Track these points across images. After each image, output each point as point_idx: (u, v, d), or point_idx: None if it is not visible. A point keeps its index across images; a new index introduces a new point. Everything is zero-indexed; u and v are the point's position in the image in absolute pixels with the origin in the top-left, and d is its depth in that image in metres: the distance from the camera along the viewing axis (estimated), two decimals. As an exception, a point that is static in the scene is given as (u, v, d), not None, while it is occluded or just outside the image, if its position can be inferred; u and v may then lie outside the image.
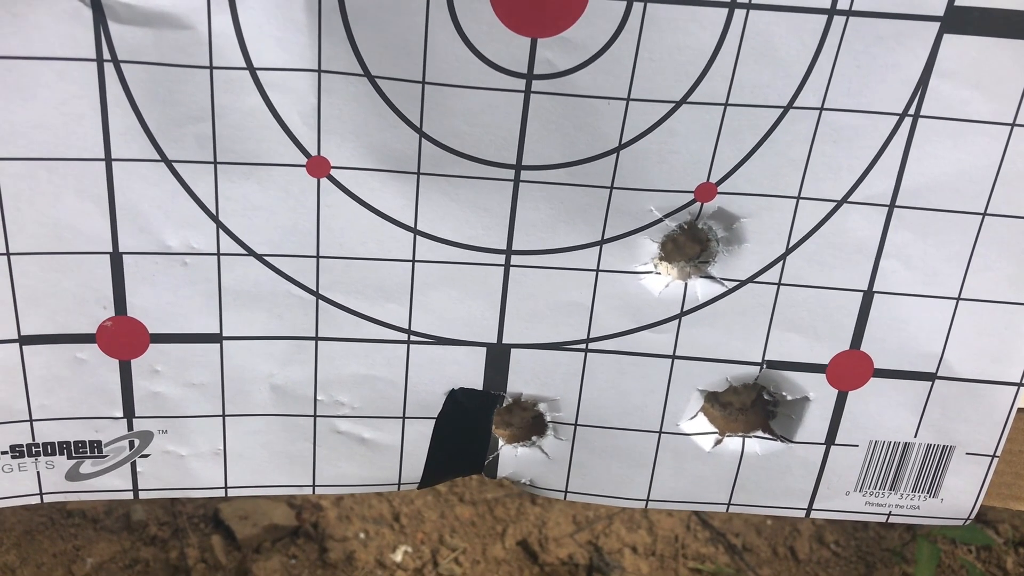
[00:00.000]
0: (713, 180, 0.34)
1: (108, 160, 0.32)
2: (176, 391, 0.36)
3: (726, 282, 0.36)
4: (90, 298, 0.34)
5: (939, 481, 0.40)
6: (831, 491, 0.40)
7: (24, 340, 0.35)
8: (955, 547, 1.04)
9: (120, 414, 0.37)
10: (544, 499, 1.04)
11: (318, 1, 0.31)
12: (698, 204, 0.34)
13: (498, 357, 0.37)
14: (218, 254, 0.34)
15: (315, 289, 0.35)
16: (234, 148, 0.32)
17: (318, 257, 0.35)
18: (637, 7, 0.30)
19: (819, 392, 0.38)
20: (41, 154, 0.32)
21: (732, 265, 0.36)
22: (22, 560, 0.94)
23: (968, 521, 0.41)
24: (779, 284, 0.36)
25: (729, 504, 0.40)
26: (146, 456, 0.38)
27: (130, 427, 0.37)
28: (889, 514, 0.41)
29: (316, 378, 0.37)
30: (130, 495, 0.38)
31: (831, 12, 0.31)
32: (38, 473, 0.37)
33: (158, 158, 0.32)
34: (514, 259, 0.35)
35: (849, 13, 0.31)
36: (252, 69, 0.31)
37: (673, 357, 0.37)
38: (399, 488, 0.40)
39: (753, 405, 0.40)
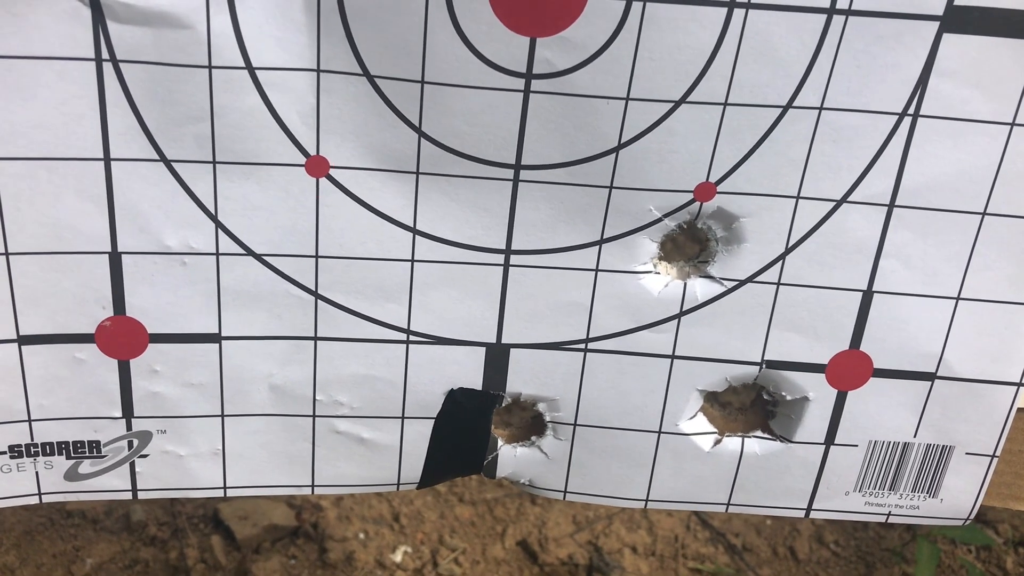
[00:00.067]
0: (712, 180, 0.34)
1: (107, 160, 0.32)
2: (175, 391, 0.36)
3: (725, 282, 0.36)
4: (89, 298, 0.34)
5: (939, 481, 0.40)
6: (831, 491, 0.40)
7: (23, 340, 0.35)
8: (955, 547, 1.04)
9: (119, 414, 0.37)
10: (544, 499, 1.04)
11: (317, 1, 0.30)
12: (697, 204, 0.34)
13: (497, 357, 0.37)
14: (217, 254, 0.34)
15: (314, 289, 0.35)
16: (233, 148, 0.32)
17: (317, 257, 0.35)
18: (636, 6, 0.30)
19: (818, 392, 0.38)
20: (40, 154, 0.32)
21: (731, 265, 0.36)
22: (22, 560, 0.94)
23: (968, 521, 0.41)
24: (778, 284, 0.36)
25: (728, 504, 0.40)
26: (145, 456, 0.38)
27: (129, 427, 0.37)
28: (889, 514, 0.41)
29: (315, 378, 0.37)
30: (129, 495, 0.38)
31: (831, 11, 0.31)
32: (37, 473, 0.37)
33: (157, 158, 0.32)
34: (513, 259, 0.35)
35: (849, 12, 0.31)
36: (251, 69, 0.31)
37: (672, 357, 0.37)
38: (398, 488, 0.40)
39: (752, 405, 0.40)
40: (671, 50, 0.31)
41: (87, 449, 0.37)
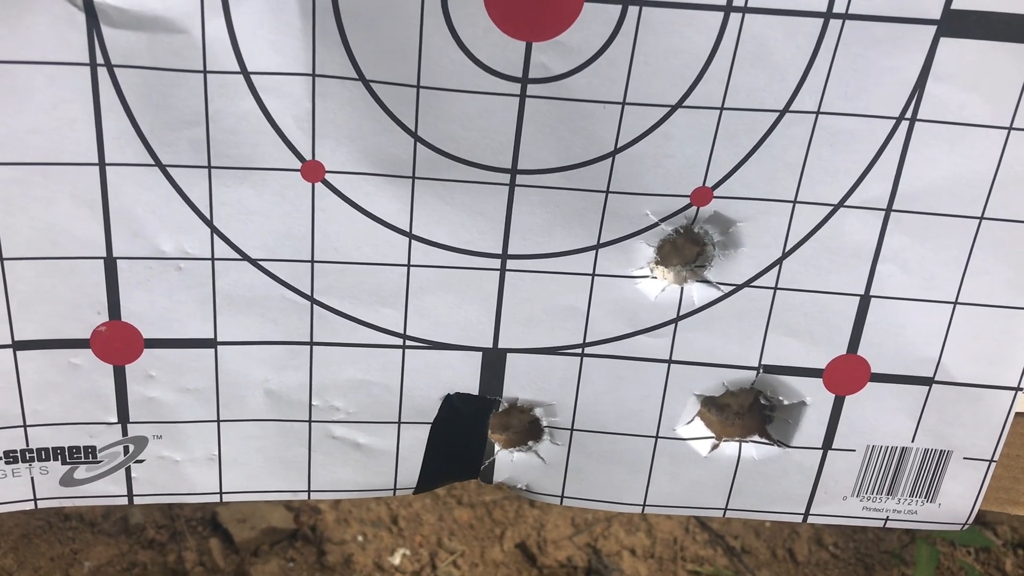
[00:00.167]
0: (709, 184, 0.34)
1: (102, 164, 0.32)
2: (171, 396, 0.36)
3: (722, 286, 0.36)
4: (84, 303, 0.34)
5: (937, 486, 0.40)
6: (828, 496, 0.40)
7: (18, 345, 0.34)
8: (954, 549, 1.04)
9: (114, 419, 0.36)
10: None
11: (312, 5, 0.30)
12: (694, 208, 0.34)
13: (494, 362, 0.37)
14: (212, 259, 0.34)
15: (310, 294, 0.35)
16: (228, 152, 0.32)
17: (313, 262, 0.35)
18: (632, 11, 0.30)
19: (816, 396, 0.38)
20: (35, 159, 0.32)
21: (728, 269, 0.35)
22: (19, 564, 0.94)
23: (966, 526, 0.41)
24: (775, 288, 0.36)
25: (726, 509, 0.40)
26: (141, 461, 0.37)
27: (124, 432, 0.37)
28: (887, 519, 0.41)
29: (311, 383, 0.37)
30: (125, 500, 0.38)
31: (827, 15, 0.31)
32: (32, 479, 0.37)
33: (152, 162, 0.32)
34: (510, 263, 0.35)
35: (845, 16, 0.31)
36: (246, 73, 0.31)
37: (669, 362, 0.37)
38: (395, 493, 0.40)
39: (750, 410, 0.39)
40: (667, 54, 0.31)
41: (83, 454, 0.37)
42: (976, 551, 1.04)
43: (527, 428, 0.39)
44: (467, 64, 0.31)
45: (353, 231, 0.34)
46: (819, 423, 0.38)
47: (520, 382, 0.37)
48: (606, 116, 0.32)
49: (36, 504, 0.38)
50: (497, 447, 0.39)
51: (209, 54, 0.31)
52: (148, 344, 0.35)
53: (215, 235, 0.34)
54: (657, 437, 0.39)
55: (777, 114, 0.32)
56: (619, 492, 0.40)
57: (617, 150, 0.33)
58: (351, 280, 0.35)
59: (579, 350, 0.37)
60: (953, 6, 0.31)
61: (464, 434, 0.38)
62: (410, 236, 0.35)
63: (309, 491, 0.39)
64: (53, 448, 0.37)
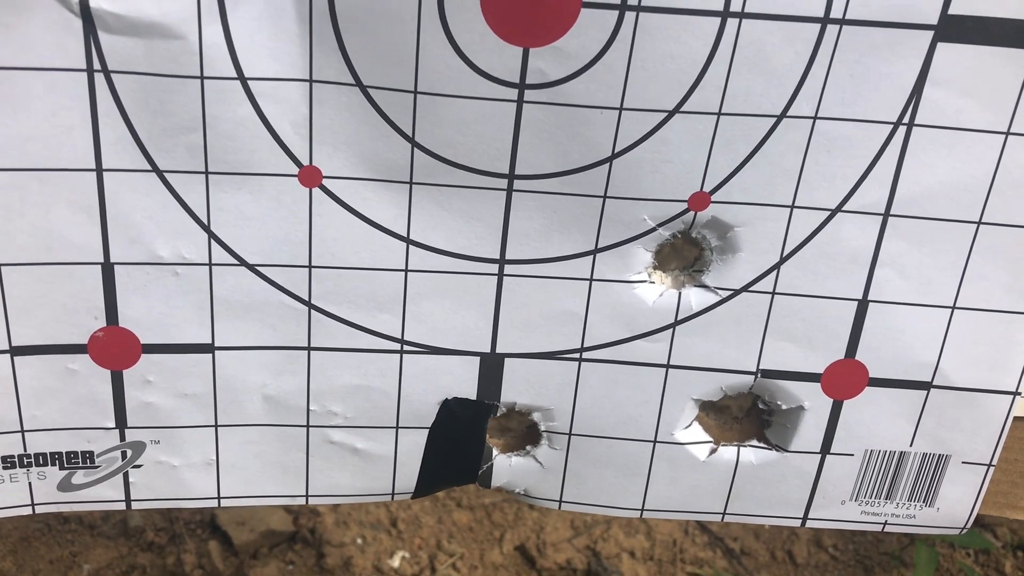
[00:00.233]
0: (707, 189, 0.34)
1: (99, 171, 0.32)
2: (168, 401, 0.36)
3: (720, 291, 0.36)
4: (81, 308, 0.34)
5: (935, 490, 0.40)
6: (827, 500, 0.40)
7: (15, 351, 0.34)
8: (953, 551, 1.04)
9: (112, 424, 0.36)
10: (542, 504, 1.04)
11: (309, 10, 0.30)
12: (692, 213, 0.34)
13: (492, 367, 0.37)
14: (210, 264, 0.34)
15: (307, 299, 0.35)
16: (226, 158, 0.32)
17: (310, 267, 0.35)
18: (629, 16, 0.30)
19: (814, 401, 0.38)
20: (32, 165, 0.32)
21: (726, 274, 0.35)
22: (19, 567, 0.94)
23: (965, 530, 0.41)
24: (773, 293, 0.36)
25: (724, 513, 0.40)
26: (138, 466, 0.37)
27: (122, 437, 0.37)
28: (885, 523, 0.41)
29: (309, 388, 0.37)
30: (122, 505, 0.38)
31: (824, 21, 0.31)
32: (30, 484, 0.37)
33: (149, 168, 0.32)
34: (507, 268, 0.35)
35: (842, 22, 0.31)
36: (243, 79, 0.31)
37: (667, 366, 0.37)
38: (393, 498, 0.40)
39: (748, 414, 0.39)
40: (664, 60, 0.31)
41: (80, 460, 0.37)
42: (975, 553, 1.04)
43: (525, 433, 0.39)
44: (464, 70, 0.31)
45: (351, 236, 0.34)
46: (817, 427, 0.38)
47: (518, 387, 0.37)
48: (603, 121, 0.32)
49: (34, 509, 0.38)
50: (495, 452, 0.39)
51: (206, 60, 0.31)
52: (146, 349, 0.35)
53: (212, 240, 0.34)
54: (655, 442, 0.39)
55: (774, 119, 0.32)
56: (617, 497, 0.40)
57: (614, 155, 0.33)
58: (349, 285, 0.35)
59: (577, 355, 0.37)
60: (950, 11, 0.31)
61: (462, 439, 0.38)
62: (408, 241, 0.35)
63: (307, 496, 0.39)
64: (51, 453, 0.37)
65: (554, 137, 0.32)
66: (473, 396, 0.37)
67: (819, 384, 0.37)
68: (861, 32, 0.31)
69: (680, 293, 0.36)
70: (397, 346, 0.36)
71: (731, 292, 0.36)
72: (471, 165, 0.33)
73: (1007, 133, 0.33)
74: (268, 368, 0.36)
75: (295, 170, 0.33)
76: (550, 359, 0.37)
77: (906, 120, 0.33)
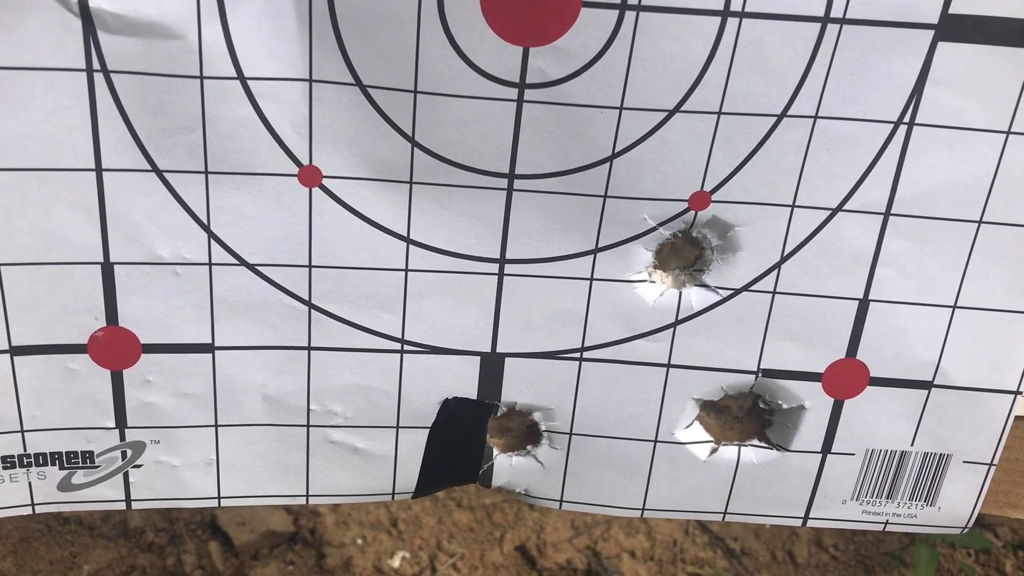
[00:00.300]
0: (707, 189, 0.34)
1: (99, 170, 0.32)
2: (168, 401, 0.36)
3: (721, 290, 0.36)
4: (81, 308, 0.34)
5: (936, 490, 0.40)
6: (828, 500, 0.40)
7: (15, 351, 0.34)
8: (954, 551, 1.04)
9: (112, 424, 0.36)
10: (542, 504, 1.04)
11: (309, 10, 0.30)
12: (692, 212, 0.34)
13: (492, 366, 0.37)
14: (210, 264, 0.34)
15: (307, 299, 0.35)
16: (225, 158, 0.32)
17: (310, 267, 0.35)
18: (629, 16, 0.30)
19: (815, 401, 0.38)
20: (31, 165, 0.32)
21: (727, 273, 0.35)
22: (18, 567, 0.94)
23: (966, 529, 0.41)
24: (774, 292, 0.36)
25: (725, 513, 0.40)
26: (138, 466, 0.37)
27: (122, 437, 0.37)
28: (886, 523, 0.41)
29: (309, 388, 0.37)
30: (122, 505, 0.38)
31: (825, 20, 0.31)
32: (30, 484, 0.37)
33: (149, 168, 0.32)
34: (508, 268, 0.35)
35: (843, 21, 0.31)
36: (243, 79, 0.31)
37: (668, 366, 0.37)
38: (393, 498, 0.40)
39: (749, 414, 0.39)
40: (665, 59, 0.31)
41: (80, 459, 0.37)
42: (976, 553, 1.04)
43: (526, 432, 0.39)
44: (464, 69, 0.31)
45: (351, 236, 0.34)
46: (818, 427, 0.38)
47: (518, 386, 0.37)
48: (604, 121, 0.32)
49: (34, 509, 0.38)
50: (496, 451, 0.39)
51: (206, 60, 0.31)
52: (146, 349, 0.35)
53: (212, 240, 0.34)
54: (656, 441, 0.39)
55: (775, 118, 0.32)
56: (618, 496, 0.40)
57: (615, 155, 0.33)
58: (349, 285, 0.35)
59: (577, 354, 0.37)
60: (951, 10, 0.31)
61: (462, 438, 0.38)
62: (408, 241, 0.34)
63: (307, 496, 0.39)
64: (51, 453, 0.37)
65: (554, 137, 0.32)
66: (473, 396, 0.37)
67: (820, 383, 0.37)
68: (861, 31, 0.31)
69: (681, 293, 0.36)
70: (397, 346, 0.36)
71: (732, 291, 0.36)
72: (471, 165, 0.33)
73: (1008, 132, 0.33)
74: (268, 368, 0.36)
75: (295, 170, 0.33)
76: (551, 359, 0.37)
77: (907, 119, 0.33)
